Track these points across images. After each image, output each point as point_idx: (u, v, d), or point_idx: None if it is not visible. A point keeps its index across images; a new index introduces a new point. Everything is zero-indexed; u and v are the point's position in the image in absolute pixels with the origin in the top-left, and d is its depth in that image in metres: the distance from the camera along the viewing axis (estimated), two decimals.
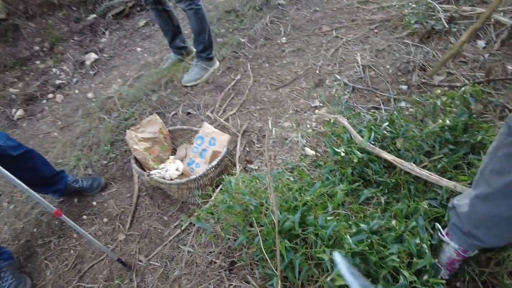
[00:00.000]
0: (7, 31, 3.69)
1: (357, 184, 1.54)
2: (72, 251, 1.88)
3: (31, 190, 1.38)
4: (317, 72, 2.43)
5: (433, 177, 1.29)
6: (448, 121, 1.51)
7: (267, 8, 3.30)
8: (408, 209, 1.33)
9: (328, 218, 1.31)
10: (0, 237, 2.07)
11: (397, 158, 1.41)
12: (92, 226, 1.96)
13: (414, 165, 1.38)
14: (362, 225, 1.21)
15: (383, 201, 1.45)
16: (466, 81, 1.96)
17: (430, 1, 2.51)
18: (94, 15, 3.90)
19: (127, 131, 1.95)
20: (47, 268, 1.85)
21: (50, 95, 3.11)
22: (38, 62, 3.51)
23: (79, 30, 3.69)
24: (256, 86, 2.50)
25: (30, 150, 1.82)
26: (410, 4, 2.65)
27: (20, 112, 2.97)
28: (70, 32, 3.71)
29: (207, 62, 2.66)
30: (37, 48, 3.59)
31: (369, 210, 1.46)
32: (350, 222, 1.30)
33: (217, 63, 2.75)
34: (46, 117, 2.90)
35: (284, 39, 2.86)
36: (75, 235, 1.95)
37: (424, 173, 1.31)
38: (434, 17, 2.41)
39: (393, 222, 1.30)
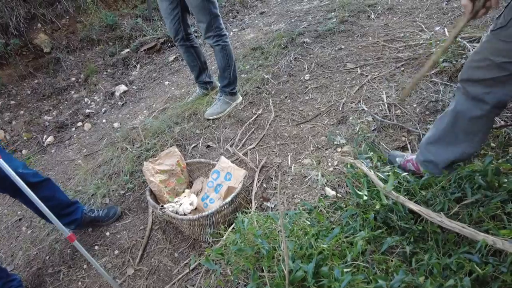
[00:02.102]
0: (49, 64, 3.97)
1: (380, 231, 1.42)
2: (80, 283, 1.84)
3: (48, 211, 1.41)
4: (340, 109, 2.37)
5: (467, 230, 1.15)
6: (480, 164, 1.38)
7: (292, 46, 3.35)
8: (439, 263, 1.18)
9: (345, 269, 1.19)
10: (13, 262, 2.08)
11: (423, 209, 1.28)
12: (103, 258, 1.92)
13: (443, 216, 1.25)
14: (380, 282, 1.08)
15: (408, 251, 1.30)
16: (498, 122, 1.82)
17: (460, 39, 2.44)
18: (128, 50, 4.14)
19: (145, 162, 1.95)
20: None
21: (79, 124, 3.25)
22: (73, 92, 3.72)
23: (113, 64, 3.91)
24: (277, 121, 2.47)
25: (47, 179, 1.87)
26: (438, 42, 2.59)
27: (50, 139, 3.11)
28: (104, 65, 3.94)
29: (230, 97, 2.69)
30: (73, 79, 3.82)
31: (392, 261, 1.32)
32: (370, 276, 1.17)
33: (240, 98, 2.78)
34: (73, 144, 3.00)
35: (307, 76, 2.86)
36: (85, 266, 1.91)
37: (456, 226, 1.18)
38: (464, 56, 2.33)
39: (421, 278, 1.16)
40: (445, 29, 2.79)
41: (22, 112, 3.55)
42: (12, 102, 3.65)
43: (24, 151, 3.11)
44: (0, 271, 1.75)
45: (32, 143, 3.16)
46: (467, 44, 2.39)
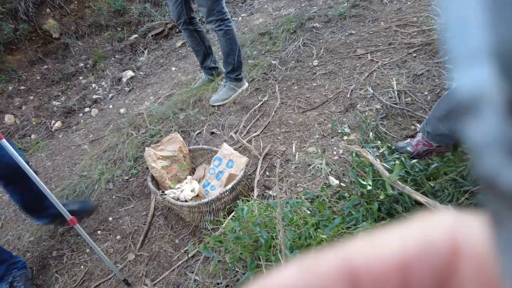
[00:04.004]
0: (58, 49, 3.99)
1: (383, 222, 1.36)
2: (82, 267, 1.86)
3: (51, 194, 1.43)
4: (348, 96, 2.29)
5: None
6: None
7: (301, 31, 3.25)
8: None
9: None
10: (20, 243, 2.12)
11: (430, 201, 1.22)
12: (105, 243, 1.93)
13: (452, 208, 1.18)
14: None
15: None
16: None
17: None
18: (136, 35, 4.11)
19: (146, 148, 1.94)
20: (57, 282, 1.83)
21: (87, 109, 3.26)
22: (81, 77, 3.73)
23: (121, 49, 3.89)
24: (283, 108, 2.41)
25: (36, 171, 1.90)
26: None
27: (58, 124, 3.13)
28: (112, 50, 3.93)
29: (236, 83, 2.63)
30: (81, 64, 3.83)
31: None
32: None
33: (246, 84, 2.72)
34: (80, 129, 3.02)
35: (316, 62, 2.77)
36: (87, 251, 1.93)
37: None
38: None
39: None
40: None
41: (31, 97, 3.59)
42: (22, 87, 3.69)
43: (33, 136, 3.15)
44: (4, 253, 1.78)
45: (40, 128, 3.19)
46: None
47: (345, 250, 0.13)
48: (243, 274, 1.46)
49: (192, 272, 1.60)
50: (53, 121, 3.19)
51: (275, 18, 3.72)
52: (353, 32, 2.98)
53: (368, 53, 2.63)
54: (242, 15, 4.20)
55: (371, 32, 2.87)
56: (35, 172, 1.86)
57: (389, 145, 1.75)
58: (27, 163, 1.77)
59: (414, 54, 2.42)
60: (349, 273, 0.12)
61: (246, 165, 1.78)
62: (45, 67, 3.89)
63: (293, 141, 2.10)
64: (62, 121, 3.19)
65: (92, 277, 1.79)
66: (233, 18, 4.09)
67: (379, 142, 1.83)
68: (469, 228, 0.12)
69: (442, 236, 0.12)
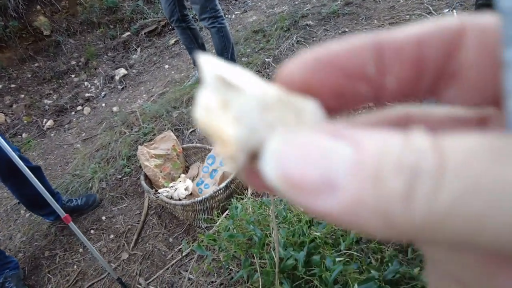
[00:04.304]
0: (49, 47, 3.93)
1: None
2: (75, 266, 1.85)
3: (46, 192, 1.41)
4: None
5: None
6: None
7: (294, 28, 3.25)
8: None
9: (338, 259, 1.15)
10: (12, 243, 2.10)
11: None
12: (98, 242, 1.92)
13: None
14: (373, 272, 1.04)
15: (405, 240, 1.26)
16: None
17: None
18: (129, 33, 4.07)
19: (139, 147, 1.92)
20: (49, 282, 1.82)
21: (79, 107, 3.22)
22: (73, 75, 3.69)
23: (113, 47, 3.86)
24: None
25: (38, 167, 1.87)
26: None
27: (50, 123, 3.10)
28: (105, 48, 3.89)
29: None
30: (73, 62, 3.78)
31: (388, 250, 1.28)
32: (363, 265, 1.14)
33: None
34: (73, 128, 2.99)
35: None
36: (80, 250, 1.91)
37: None
38: None
39: (416, 270, 1.12)
40: (454, 11, 2.66)
41: (22, 95, 3.54)
42: (13, 85, 3.63)
43: (24, 135, 3.11)
44: None
45: (32, 127, 3.15)
46: None
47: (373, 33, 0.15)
48: (237, 272, 1.46)
49: (186, 271, 1.60)
50: (44, 120, 3.15)
51: (269, 15, 3.72)
52: (347, 30, 2.99)
53: None
54: (236, 12, 4.19)
55: (364, 30, 2.88)
56: (37, 167, 1.84)
57: None
58: (25, 159, 1.75)
59: None
60: (376, 42, 0.15)
61: None
62: (36, 65, 3.84)
63: None
64: (54, 119, 3.16)
65: (86, 276, 1.78)
66: (226, 16, 4.07)
67: None
68: (476, 17, 0.14)
69: (453, 20, 0.15)
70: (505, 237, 0.10)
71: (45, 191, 1.44)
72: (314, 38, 3.02)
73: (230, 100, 0.15)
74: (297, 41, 3.04)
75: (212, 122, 0.15)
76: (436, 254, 0.15)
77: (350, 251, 1.22)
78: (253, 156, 0.15)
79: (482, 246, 0.10)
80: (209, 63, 0.15)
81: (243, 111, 0.14)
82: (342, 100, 0.17)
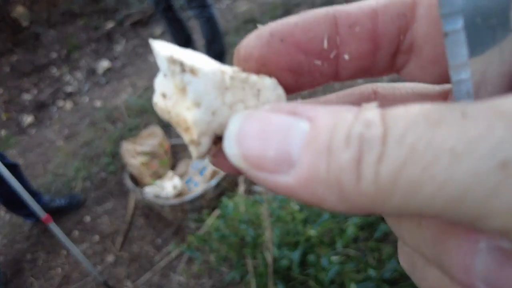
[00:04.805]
0: (29, 39, 3.76)
1: (374, 217, 1.32)
2: (59, 269, 1.76)
3: (24, 191, 1.32)
4: (338, 85, 2.23)
5: None
6: None
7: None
8: None
9: (335, 257, 1.10)
10: None
11: None
12: (82, 243, 1.83)
13: None
14: (371, 271, 0.99)
15: None
16: None
17: None
18: (113, 24, 3.91)
19: (124, 143, 1.83)
20: (32, 286, 1.73)
21: (61, 103, 3.09)
22: (54, 69, 3.53)
23: (97, 39, 3.70)
24: None
25: (17, 164, 1.76)
26: None
27: (30, 119, 2.96)
28: (87, 40, 3.73)
29: None
30: (54, 55, 3.62)
31: (386, 248, 1.24)
32: (360, 264, 1.09)
33: None
34: (54, 125, 2.86)
35: None
36: (64, 252, 1.82)
37: None
38: None
39: None
40: None
41: (1, 91, 3.38)
42: None
43: (3, 132, 2.97)
44: None
45: (11, 124, 3.01)
46: None
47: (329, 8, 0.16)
48: (229, 274, 1.40)
49: (175, 273, 1.53)
50: (24, 116, 3.01)
51: (261, 5, 3.62)
52: None
53: None
54: (226, 2, 4.06)
55: None
56: (14, 165, 1.73)
57: None
58: (1, 155, 1.65)
59: None
60: (331, 17, 0.15)
61: None
62: (15, 58, 3.66)
63: None
64: (34, 115, 3.01)
65: (70, 280, 1.70)
66: (216, 5, 3.95)
67: None
68: None
69: None
70: (440, 202, 0.10)
71: (23, 190, 1.34)
72: None
73: (187, 83, 0.14)
74: None
75: (171, 108, 0.15)
76: (401, 230, 0.15)
77: (347, 250, 1.17)
78: (219, 138, 0.15)
79: (425, 213, 0.10)
80: (162, 48, 0.15)
81: (201, 94, 0.14)
82: (300, 77, 0.17)
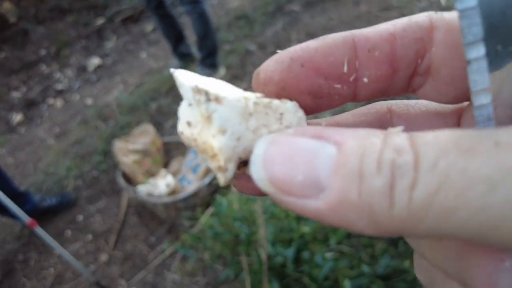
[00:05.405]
0: (16, 35, 3.68)
1: None
2: (52, 269, 1.74)
3: (4, 195, 1.30)
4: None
5: None
6: None
7: (280, 14, 3.14)
8: None
9: (328, 254, 1.11)
10: None
11: None
12: (75, 243, 1.81)
13: None
14: (364, 267, 1.00)
15: None
16: None
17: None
18: (103, 20, 3.85)
19: (116, 141, 1.81)
20: (25, 287, 1.71)
21: (51, 101, 3.04)
22: (43, 66, 3.47)
23: (87, 35, 3.64)
24: None
25: None
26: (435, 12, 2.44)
27: (19, 118, 2.91)
28: (77, 36, 3.67)
29: (211, 70, 2.51)
30: (44, 52, 3.56)
31: (379, 244, 1.25)
32: (354, 261, 1.10)
33: (222, 71, 2.60)
34: (45, 123, 2.81)
35: None
36: (57, 252, 1.80)
37: None
38: None
39: (407, 263, 1.09)
40: None
41: None
42: None
43: None
44: None
45: (0, 122, 2.95)
46: None
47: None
48: (223, 271, 1.40)
49: (169, 271, 1.53)
50: (13, 114, 2.95)
51: (252, 0, 3.59)
52: (334, 16, 2.91)
53: None
54: None
55: (352, 16, 2.81)
56: None
57: None
58: None
59: None
60: (350, 41, 0.16)
61: None
62: (3, 55, 3.58)
63: None
64: (24, 113, 2.96)
65: (63, 279, 1.68)
66: (208, 2, 3.91)
67: None
68: (443, 14, 0.16)
69: (423, 18, 0.16)
70: (473, 227, 0.10)
71: (4, 196, 1.31)
72: (300, 25, 2.93)
73: (212, 112, 0.14)
74: (283, 27, 2.94)
75: (197, 136, 0.15)
76: (421, 247, 0.15)
77: (341, 246, 1.17)
78: (243, 163, 0.16)
79: (456, 236, 0.11)
80: (185, 77, 0.16)
81: (225, 121, 0.15)
82: (319, 99, 0.17)
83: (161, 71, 2.96)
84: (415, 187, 0.11)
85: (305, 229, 1.20)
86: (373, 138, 0.12)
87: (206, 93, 0.14)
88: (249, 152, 0.14)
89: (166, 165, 1.97)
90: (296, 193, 0.12)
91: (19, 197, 1.81)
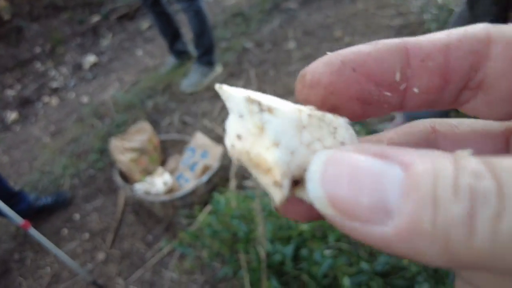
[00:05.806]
0: (10, 32, 3.64)
1: None
2: (49, 269, 1.73)
3: None
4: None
5: None
6: None
7: (276, 12, 3.13)
8: None
9: (327, 251, 1.11)
10: None
11: None
12: (72, 242, 1.80)
13: None
14: (363, 264, 1.00)
15: None
16: None
17: (453, 7, 2.29)
18: (98, 18, 3.82)
19: (112, 139, 1.80)
20: (21, 287, 1.69)
21: (46, 99, 3.01)
22: (38, 64, 3.43)
23: (82, 33, 3.61)
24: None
25: None
26: (430, 10, 2.44)
27: (14, 116, 2.88)
28: (72, 34, 3.63)
29: (208, 67, 2.50)
30: (38, 50, 3.52)
31: None
32: (353, 258, 1.10)
33: (219, 69, 2.59)
34: (40, 121, 2.79)
35: (292, 45, 2.68)
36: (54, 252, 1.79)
37: None
38: None
39: (406, 260, 1.09)
40: None
41: None
42: None
43: None
44: None
45: None
46: None
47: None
48: (222, 269, 1.40)
49: (167, 269, 1.52)
50: (8, 113, 2.92)
51: None
52: (331, 13, 2.91)
53: (346, 36, 2.57)
54: None
55: (348, 14, 2.81)
56: None
57: (368, 128, 1.72)
58: None
59: (393, 37, 2.40)
60: (403, 49, 0.15)
61: (222, 155, 1.70)
62: None
63: None
64: (19, 112, 2.93)
65: (60, 279, 1.67)
66: None
67: (358, 126, 1.80)
68: (502, 27, 0.15)
69: (479, 30, 0.15)
70: None
71: None
72: (297, 22, 2.92)
73: (265, 123, 0.14)
74: (280, 25, 2.93)
75: (249, 149, 0.15)
76: (478, 278, 0.14)
77: (340, 243, 1.17)
78: (294, 182, 0.14)
79: None
80: (233, 90, 0.15)
81: (279, 133, 0.14)
82: (367, 106, 0.16)
83: (157, 68, 2.94)
84: (502, 217, 0.10)
85: (304, 226, 1.20)
86: (443, 160, 0.11)
87: (259, 104, 0.14)
88: (302, 169, 0.14)
89: (163, 163, 1.96)
90: (361, 218, 0.11)
91: (14, 197, 1.79)
